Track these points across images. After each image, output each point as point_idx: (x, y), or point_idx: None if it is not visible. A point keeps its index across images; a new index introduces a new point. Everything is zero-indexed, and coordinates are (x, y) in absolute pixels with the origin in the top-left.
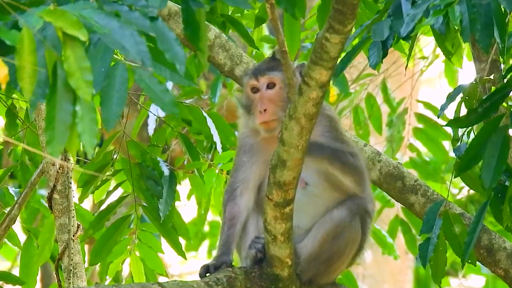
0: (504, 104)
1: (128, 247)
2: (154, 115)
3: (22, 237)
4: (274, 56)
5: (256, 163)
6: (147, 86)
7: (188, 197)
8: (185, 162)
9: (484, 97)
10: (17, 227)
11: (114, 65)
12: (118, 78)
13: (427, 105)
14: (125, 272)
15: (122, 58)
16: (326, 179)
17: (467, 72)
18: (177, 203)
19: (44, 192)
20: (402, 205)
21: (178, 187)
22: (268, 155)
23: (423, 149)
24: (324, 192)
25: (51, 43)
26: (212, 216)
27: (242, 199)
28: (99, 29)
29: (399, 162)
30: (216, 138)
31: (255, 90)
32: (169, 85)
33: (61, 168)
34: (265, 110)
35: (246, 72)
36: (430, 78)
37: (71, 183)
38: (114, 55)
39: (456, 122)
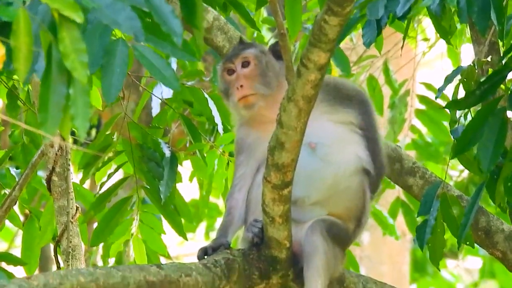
0: (502, 86)
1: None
2: (157, 97)
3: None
4: (242, 40)
5: (253, 157)
6: (148, 61)
7: (190, 179)
8: (187, 144)
9: (482, 79)
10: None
11: (114, 42)
12: (118, 53)
13: (429, 87)
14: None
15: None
16: (339, 138)
17: (470, 53)
18: (178, 184)
19: (42, 174)
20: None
21: (180, 169)
22: (264, 146)
23: (425, 131)
24: (334, 153)
25: (46, 24)
26: (211, 198)
27: (240, 194)
28: (88, 3)
29: (397, 145)
30: (218, 119)
31: (230, 72)
32: (173, 65)
33: (59, 150)
34: (241, 86)
35: (219, 63)
36: (429, 60)
37: (69, 165)
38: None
39: (454, 104)
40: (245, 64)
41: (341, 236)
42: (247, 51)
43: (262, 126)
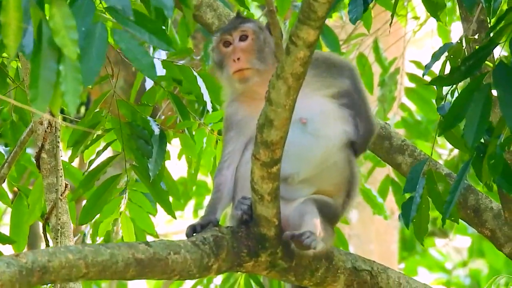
0: (488, 62)
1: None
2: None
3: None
4: (239, 14)
5: (243, 134)
6: (126, 47)
7: (179, 157)
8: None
9: (467, 55)
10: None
11: (94, 25)
12: (97, 36)
13: (419, 65)
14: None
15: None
16: (328, 113)
17: (461, 32)
18: (167, 162)
19: (32, 151)
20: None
21: (169, 147)
22: (254, 123)
23: (415, 109)
24: (323, 128)
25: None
26: (199, 175)
27: (229, 170)
28: None
29: (386, 123)
30: (207, 97)
31: (227, 44)
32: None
33: (49, 127)
34: (238, 59)
35: (215, 32)
36: (419, 38)
37: (59, 142)
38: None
39: (440, 81)
40: (243, 37)
41: (331, 214)
42: (246, 25)
43: (253, 103)
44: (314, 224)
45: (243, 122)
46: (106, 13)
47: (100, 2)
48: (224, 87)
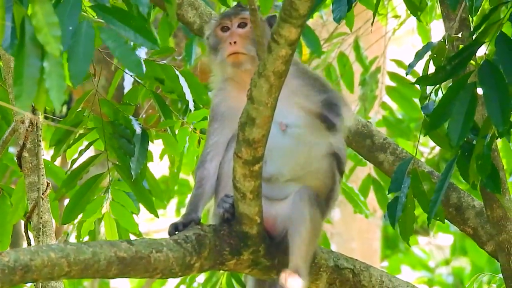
0: (472, 62)
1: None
2: (130, 75)
3: None
4: (240, 4)
5: (228, 126)
6: (113, 46)
7: (161, 157)
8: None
9: (452, 55)
10: None
11: (80, 23)
12: (84, 35)
13: (400, 64)
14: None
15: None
16: (309, 120)
17: (440, 30)
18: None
19: (14, 150)
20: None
21: (152, 147)
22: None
23: (396, 107)
24: (306, 135)
25: None
26: (182, 174)
27: (212, 164)
28: None
29: (368, 121)
30: (189, 96)
31: (225, 29)
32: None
33: (30, 126)
34: (235, 42)
35: (214, 18)
36: (399, 37)
37: (40, 141)
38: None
39: (424, 80)
40: (242, 25)
41: (322, 206)
42: (247, 13)
43: (240, 96)
44: (302, 255)
45: (227, 114)
46: (87, 12)
47: None
48: (214, 74)
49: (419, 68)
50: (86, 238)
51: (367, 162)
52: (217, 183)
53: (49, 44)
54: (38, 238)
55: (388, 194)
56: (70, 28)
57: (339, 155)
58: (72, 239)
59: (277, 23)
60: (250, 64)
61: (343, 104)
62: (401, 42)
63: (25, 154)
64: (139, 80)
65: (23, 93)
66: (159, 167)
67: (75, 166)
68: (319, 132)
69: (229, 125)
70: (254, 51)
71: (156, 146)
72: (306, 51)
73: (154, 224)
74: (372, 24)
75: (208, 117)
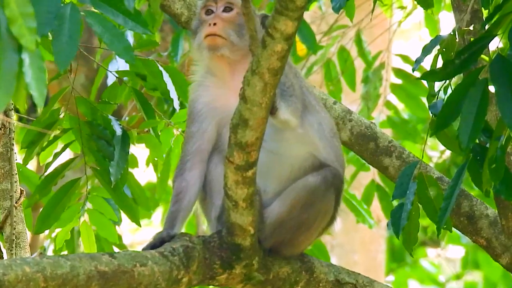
0: (484, 56)
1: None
2: (113, 74)
3: None
4: None
5: (207, 131)
6: (101, 30)
7: (147, 163)
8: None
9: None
10: None
11: (64, 6)
12: (69, 18)
13: (406, 59)
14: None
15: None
16: (285, 132)
17: (450, 22)
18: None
19: None
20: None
21: (138, 151)
22: (220, 117)
23: (402, 107)
24: (286, 149)
25: None
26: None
27: (191, 173)
28: None
29: (372, 122)
30: (173, 94)
31: (209, 12)
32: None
33: (2, 129)
34: (215, 24)
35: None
36: (405, 30)
37: (13, 145)
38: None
39: (431, 75)
40: (227, 9)
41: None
42: None
43: (220, 92)
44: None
45: (206, 113)
46: None
47: None
48: (195, 64)
49: (427, 63)
50: (65, 252)
51: (371, 167)
52: (207, 189)
53: (24, 37)
54: (11, 250)
55: (392, 200)
56: (50, 13)
57: (332, 167)
58: (50, 252)
59: (272, 16)
60: (229, 50)
61: (291, 94)
62: (407, 35)
63: None
64: (123, 78)
65: (1, 88)
66: (144, 173)
67: (49, 170)
68: (298, 144)
69: (209, 128)
70: (235, 36)
71: (142, 150)
72: (302, 45)
73: (139, 235)
74: (372, 12)
75: (186, 115)
